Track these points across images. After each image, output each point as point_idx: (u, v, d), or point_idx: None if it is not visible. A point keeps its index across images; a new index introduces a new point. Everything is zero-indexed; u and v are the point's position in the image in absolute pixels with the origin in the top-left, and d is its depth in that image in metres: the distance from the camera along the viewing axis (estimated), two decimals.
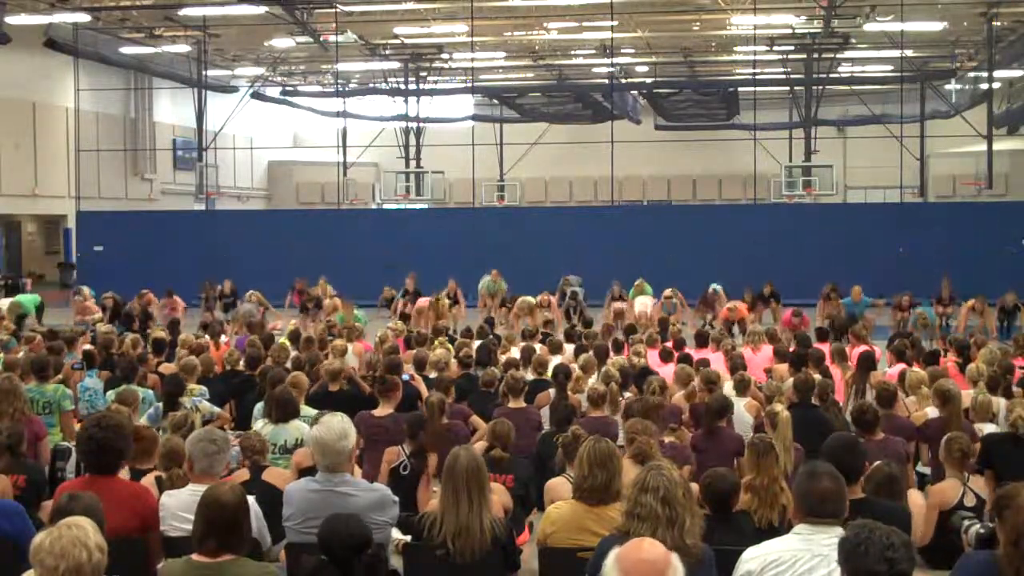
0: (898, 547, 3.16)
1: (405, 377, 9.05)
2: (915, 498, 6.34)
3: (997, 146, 28.18)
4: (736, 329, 17.61)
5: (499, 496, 5.90)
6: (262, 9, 25.07)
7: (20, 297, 18.50)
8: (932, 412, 7.77)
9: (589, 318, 15.27)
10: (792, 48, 29.65)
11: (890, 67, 31.60)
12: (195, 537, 3.96)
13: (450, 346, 11.20)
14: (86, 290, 19.82)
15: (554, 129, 36.71)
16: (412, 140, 33.39)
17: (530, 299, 17.98)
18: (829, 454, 4.77)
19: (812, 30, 27.98)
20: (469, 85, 33.35)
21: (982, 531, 5.05)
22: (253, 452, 6.27)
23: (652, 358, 10.75)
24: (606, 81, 32.65)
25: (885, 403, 7.69)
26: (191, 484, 5.07)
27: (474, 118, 34.81)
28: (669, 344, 11.53)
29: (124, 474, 5.41)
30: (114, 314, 18.64)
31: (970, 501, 6.07)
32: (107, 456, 4.93)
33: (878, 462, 5.88)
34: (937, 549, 5.99)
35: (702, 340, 11.81)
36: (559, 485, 5.75)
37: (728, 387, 8.73)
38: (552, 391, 8.88)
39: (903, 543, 3.19)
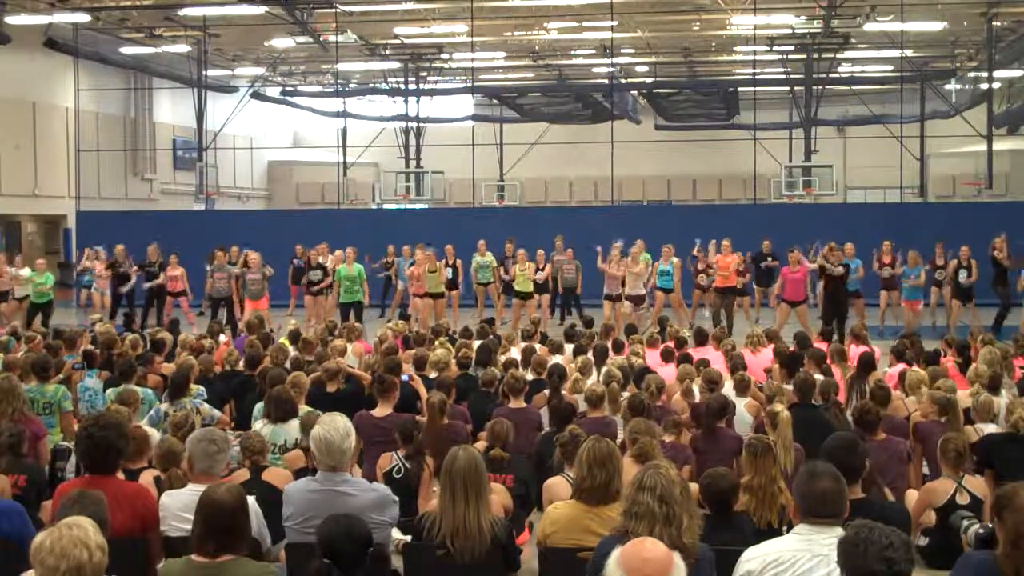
0: (897, 547, 3.16)
1: (404, 378, 9.04)
2: (912, 497, 6.36)
3: (997, 146, 28.17)
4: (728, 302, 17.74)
5: (499, 496, 5.91)
6: (262, 9, 25.08)
7: (33, 277, 18.18)
8: None
9: (589, 318, 15.27)
10: (792, 48, 29.66)
11: (890, 67, 31.63)
12: (194, 538, 3.97)
13: (450, 346, 11.20)
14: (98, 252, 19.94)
15: (554, 129, 36.72)
16: (412, 140, 33.41)
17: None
18: (829, 454, 4.77)
19: (812, 30, 27.98)
20: (469, 85, 33.35)
21: (982, 531, 5.06)
22: (253, 452, 6.27)
23: (652, 358, 10.75)
24: (606, 81, 32.66)
25: (880, 402, 7.70)
26: (191, 484, 5.08)
27: (474, 118, 34.82)
28: (670, 344, 11.52)
29: (119, 474, 5.40)
30: (113, 268, 18.96)
31: (963, 500, 6.08)
32: (105, 455, 4.93)
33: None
34: (937, 549, 6.00)
35: (701, 338, 11.82)
36: (557, 484, 5.75)
37: (728, 387, 8.73)
38: (547, 392, 8.87)
39: (902, 543, 3.20)
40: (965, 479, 6.19)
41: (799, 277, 16.85)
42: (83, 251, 20.64)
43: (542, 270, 18.79)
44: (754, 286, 19.47)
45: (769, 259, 19.06)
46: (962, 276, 17.30)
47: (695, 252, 18.86)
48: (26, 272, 18.05)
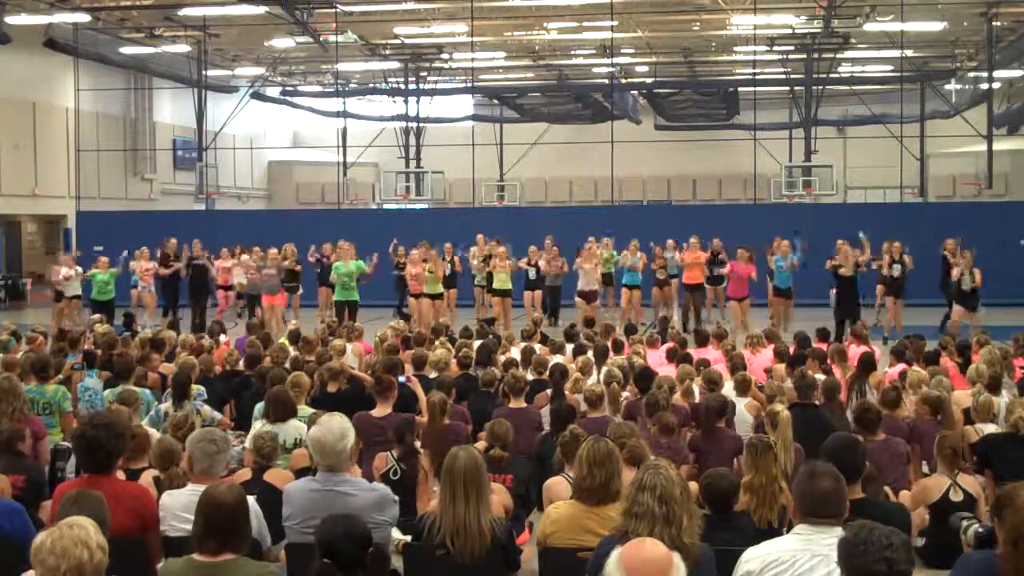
0: (897, 547, 3.16)
1: (402, 379, 9.02)
2: (907, 499, 6.36)
3: (997, 146, 28.16)
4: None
5: (500, 496, 5.90)
6: (262, 9, 25.08)
7: (96, 276, 18.03)
8: None
9: (590, 318, 15.30)
10: (792, 48, 29.65)
11: (890, 67, 31.62)
12: (195, 537, 3.97)
13: (450, 346, 11.20)
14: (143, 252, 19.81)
15: (554, 129, 36.71)
16: (412, 140, 33.41)
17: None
18: (829, 454, 4.77)
19: (812, 30, 27.98)
20: (469, 85, 33.36)
21: (981, 531, 5.05)
22: (260, 455, 6.26)
23: (651, 358, 10.75)
24: (606, 81, 32.65)
25: (890, 404, 7.70)
26: (191, 484, 5.08)
27: (474, 118, 34.82)
28: (671, 344, 11.52)
29: (119, 474, 5.40)
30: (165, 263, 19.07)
31: (957, 496, 6.08)
32: (99, 454, 4.92)
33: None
34: (936, 549, 6.00)
35: (702, 339, 11.82)
36: (557, 484, 5.75)
37: (728, 387, 8.73)
38: (550, 391, 8.87)
39: (903, 543, 3.20)
40: (959, 476, 6.19)
41: (743, 274, 17.21)
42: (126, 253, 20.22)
43: (534, 266, 18.79)
44: (706, 285, 19.43)
45: (721, 257, 19.05)
46: (895, 270, 17.21)
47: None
48: (76, 271, 18.18)
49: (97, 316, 16.59)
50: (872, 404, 7.26)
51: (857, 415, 7.06)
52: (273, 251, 18.19)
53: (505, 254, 18.55)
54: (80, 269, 18.44)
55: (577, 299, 18.19)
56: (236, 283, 19.54)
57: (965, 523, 5.38)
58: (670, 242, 19.35)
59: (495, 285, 18.43)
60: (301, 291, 19.12)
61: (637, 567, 2.99)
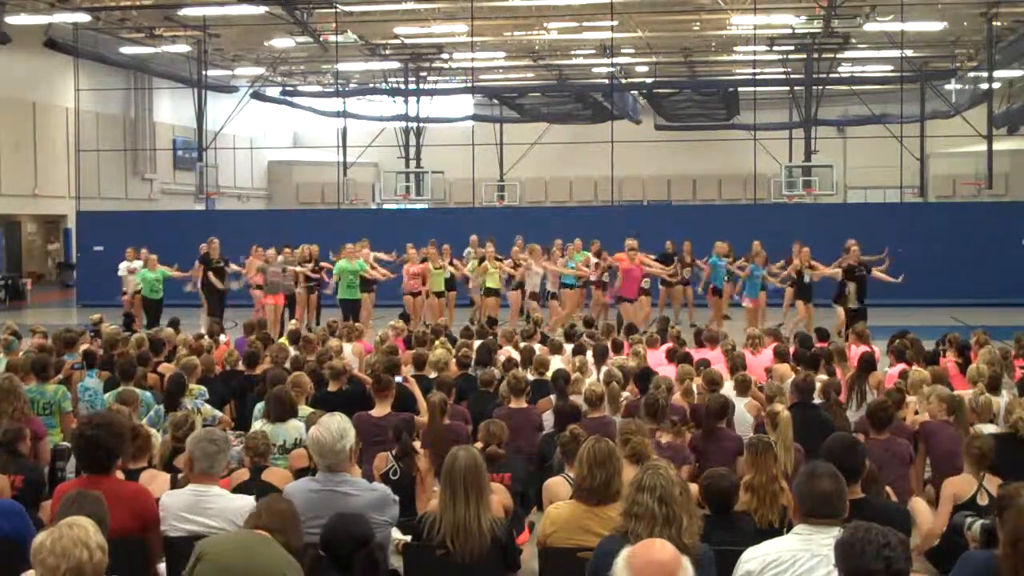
0: (895, 546, 3.17)
1: (398, 379, 9.01)
2: (918, 502, 6.34)
3: (997, 146, 28.19)
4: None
5: (500, 496, 5.90)
6: (262, 9, 25.10)
7: (145, 274, 17.84)
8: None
9: (590, 318, 15.29)
10: (792, 48, 29.68)
11: (890, 67, 31.65)
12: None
13: (450, 346, 11.20)
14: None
15: (554, 129, 36.73)
16: (412, 140, 33.43)
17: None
18: (829, 454, 4.77)
19: (812, 30, 28.01)
20: (469, 85, 33.38)
21: (988, 524, 5.04)
22: (255, 453, 6.26)
23: (651, 358, 10.73)
24: (606, 81, 32.67)
25: (895, 405, 7.69)
26: (191, 484, 5.08)
27: (474, 118, 34.85)
28: (671, 344, 11.51)
29: (119, 474, 5.39)
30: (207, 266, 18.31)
31: (983, 500, 6.03)
32: (98, 454, 4.91)
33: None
34: (940, 549, 5.98)
35: (702, 339, 11.81)
36: (557, 485, 5.75)
37: (729, 387, 8.72)
38: (553, 396, 8.84)
39: (900, 542, 3.20)
40: (986, 479, 6.16)
41: (636, 275, 17.03)
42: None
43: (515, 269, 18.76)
44: (659, 287, 19.34)
45: (675, 259, 19.00)
46: (805, 277, 16.97)
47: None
48: (136, 265, 18.15)
49: (98, 316, 16.55)
50: (888, 402, 7.26)
51: (871, 410, 7.06)
52: (271, 252, 18.09)
53: (494, 255, 18.51)
54: (141, 263, 18.29)
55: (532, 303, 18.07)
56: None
57: (970, 520, 5.37)
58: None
59: (487, 285, 18.47)
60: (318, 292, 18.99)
61: (645, 568, 2.98)
